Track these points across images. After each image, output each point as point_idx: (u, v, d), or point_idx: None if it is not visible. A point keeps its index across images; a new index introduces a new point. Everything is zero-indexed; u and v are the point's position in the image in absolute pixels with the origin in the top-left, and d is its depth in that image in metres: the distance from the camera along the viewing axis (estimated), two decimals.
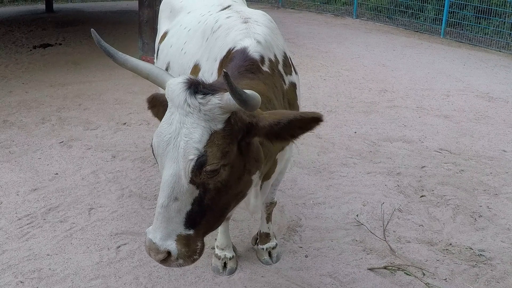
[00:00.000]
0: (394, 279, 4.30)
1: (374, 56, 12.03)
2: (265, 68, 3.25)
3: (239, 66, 3.20)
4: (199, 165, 2.44)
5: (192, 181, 2.49)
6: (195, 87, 2.50)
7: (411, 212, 5.29)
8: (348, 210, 5.31)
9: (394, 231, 4.96)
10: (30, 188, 5.66)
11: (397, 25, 16.08)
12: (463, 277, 4.34)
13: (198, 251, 2.67)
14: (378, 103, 8.69)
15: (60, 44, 12.78)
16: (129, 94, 9.05)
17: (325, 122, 7.44)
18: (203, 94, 2.47)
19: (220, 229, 4.38)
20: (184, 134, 2.47)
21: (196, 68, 3.76)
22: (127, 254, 4.57)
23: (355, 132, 7.36)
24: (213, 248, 4.48)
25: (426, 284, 4.23)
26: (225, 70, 2.17)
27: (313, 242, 4.78)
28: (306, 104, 8.41)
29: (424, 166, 6.32)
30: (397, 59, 11.79)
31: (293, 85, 3.64)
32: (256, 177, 2.89)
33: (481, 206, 5.43)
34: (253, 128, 2.61)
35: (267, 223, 4.56)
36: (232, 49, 3.31)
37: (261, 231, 4.59)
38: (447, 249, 4.69)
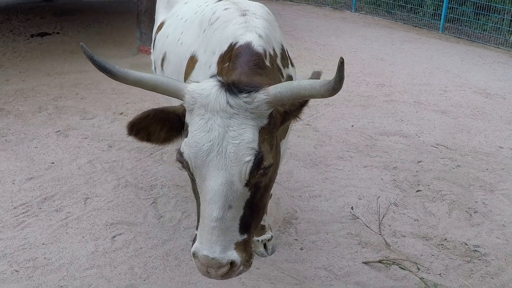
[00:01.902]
0: (389, 273, 4.32)
1: (372, 50, 12.00)
2: (267, 62, 3.19)
3: (247, 61, 3.11)
4: (258, 164, 2.41)
5: (247, 184, 2.46)
6: (235, 87, 2.47)
7: (406, 206, 5.30)
8: (344, 204, 5.31)
9: (389, 225, 4.96)
10: (26, 177, 5.65)
11: (396, 19, 16.03)
12: (457, 272, 4.35)
13: (253, 254, 2.66)
14: (376, 97, 8.68)
15: (58, 33, 12.69)
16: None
17: (322, 115, 7.59)
18: (248, 92, 2.45)
19: None
20: (231, 138, 2.41)
21: (192, 59, 3.72)
22: (122, 244, 4.57)
23: (352, 126, 7.36)
24: None
25: (420, 278, 4.25)
26: (342, 58, 2.23)
27: (308, 234, 4.79)
28: None
29: (420, 161, 6.32)
30: (395, 53, 11.76)
31: (290, 78, 3.59)
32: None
33: (476, 202, 5.43)
34: (287, 115, 2.70)
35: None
36: (235, 44, 3.21)
37: None
38: (442, 244, 4.70)
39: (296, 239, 4.72)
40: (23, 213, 4.97)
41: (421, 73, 10.27)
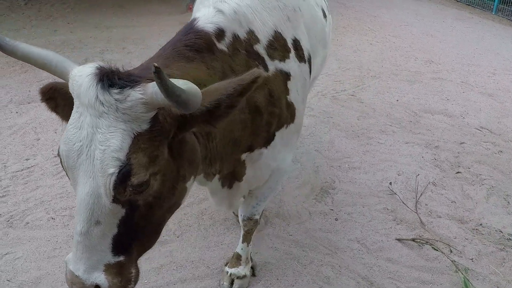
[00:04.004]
0: (421, 252, 4.30)
1: (423, 25, 11.76)
2: (222, 45, 2.66)
3: (177, 41, 2.60)
4: (123, 179, 1.96)
5: (115, 200, 2.02)
6: (109, 78, 1.96)
7: (445, 187, 5.24)
8: (382, 178, 5.28)
9: (426, 204, 4.92)
10: None
11: None
12: (489, 259, 4.31)
13: (133, 279, 2.25)
14: (423, 74, 8.53)
15: None
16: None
17: (368, 87, 7.50)
18: (120, 88, 1.95)
19: None
20: (99, 141, 1.95)
21: None
22: None
23: (397, 100, 7.27)
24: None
25: (452, 261, 4.22)
26: (155, 64, 1.67)
27: (344, 206, 4.78)
28: (350, 67, 8.34)
29: (463, 143, 6.22)
30: (446, 31, 11.51)
31: (284, 75, 2.99)
32: (191, 184, 2.45)
33: None
34: (187, 121, 2.12)
35: (242, 242, 3.84)
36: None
37: (235, 250, 3.93)
38: (476, 229, 4.65)
39: (332, 209, 4.71)
40: None
41: (471, 53, 10.04)
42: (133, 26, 9.55)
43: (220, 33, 2.66)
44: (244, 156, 2.97)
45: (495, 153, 6.05)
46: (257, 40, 2.85)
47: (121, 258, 2.15)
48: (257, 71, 2.14)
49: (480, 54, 10.05)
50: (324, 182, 5.13)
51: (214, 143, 2.58)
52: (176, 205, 2.40)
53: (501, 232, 4.65)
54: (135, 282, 2.27)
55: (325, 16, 3.98)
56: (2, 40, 2.17)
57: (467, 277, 4.08)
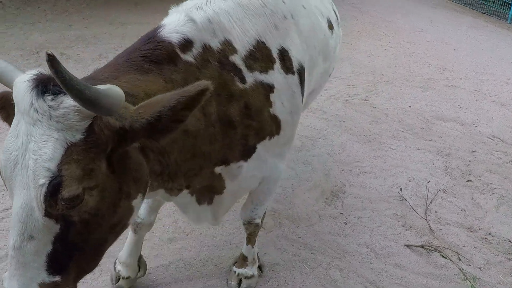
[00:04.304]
0: (430, 259, 4.29)
1: (438, 32, 11.73)
2: (188, 57, 2.49)
3: (131, 51, 2.44)
4: (53, 192, 1.84)
5: (47, 214, 1.89)
6: (44, 85, 1.86)
7: (455, 195, 5.23)
8: (392, 184, 5.28)
9: (436, 211, 4.91)
10: None
11: (465, 3, 15.59)
12: (497, 269, 4.30)
13: None
14: (436, 80, 8.52)
15: None
16: None
17: (381, 92, 7.49)
18: (53, 94, 1.85)
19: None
20: (32, 151, 1.85)
21: None
22: None
23: (410, 106, 7.25)
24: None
25: (460, 269, 4.21)
26: (48, 51, 1.58)
27: (354, 210, 4.78)
28: (363, 71, 8.33)
29: (474, 151, 6.20)
30: (460, 38, 11.48)
31: (266, 87, 2.80)
32: (138, 202, 2.27)
33: None
34: (127, 134, 1.99)
35: (247, 244, 3.84)
36: None
37: (242, 252, 3.91)
38: (486, 238, 4.64)
39: (342, 213, 4.72)
40: None
41: (485, 62, 10.01)
42: (147, 23, 9.56)
43: (186, 44, 2.50)
44: (218, 169, 2.83)
45: (507, 163, 6.03)
46: (233, 51, 2.68)
47: (57, 278, 2.00)
48: (204, 82, 1.98)
49: (494, 63, 10.02)
50: (334, 185, 5.12)
51: (172, 158, 2.45)
52: (120, 225, 2.23)
53: (510, 242, 4.63)
54: None
55: (331, 28, 3.79)
56: None
57: (475, 286, 4.07)
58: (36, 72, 1.91)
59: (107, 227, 2.11)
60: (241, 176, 2.94)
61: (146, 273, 3.83)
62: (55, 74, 1.62)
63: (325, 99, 7.04)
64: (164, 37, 2.46)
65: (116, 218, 2.14)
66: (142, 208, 3.54)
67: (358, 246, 4.34)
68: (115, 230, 2.21)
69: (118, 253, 3.74)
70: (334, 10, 4.08)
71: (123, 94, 1.88)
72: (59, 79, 1.63)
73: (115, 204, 2.09)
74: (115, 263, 3.79)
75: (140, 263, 3.79)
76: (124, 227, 2.26)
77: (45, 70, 1.88)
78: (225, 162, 2.81)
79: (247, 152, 2.86)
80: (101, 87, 1.82)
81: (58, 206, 1.86)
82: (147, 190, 2.37)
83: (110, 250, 2.33)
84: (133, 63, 2.33)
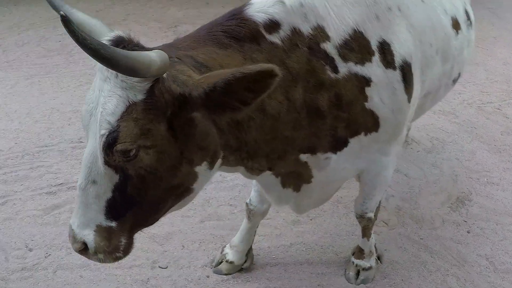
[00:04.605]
0: None
1: None
2: (274, 38, 2.44)
3: (213, 25, 2.47)
4: (110, 143, 2.02)
5: (106, 163, 2.09)
6: (116, 45, 2.01)
7: None
8: None
9: None
10: None
11: None
12: None
13: (122, 248, 2.30)
14: None
15: None
16: None
17: None
18: None
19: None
20: (101, 104, 2.04)
21: None
22: None
23: None
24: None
25: None
26: (61, 12, 1.66)
27: (478, 220, 4.69)
28: (498, 79, 8.02)
29: None
30: None
31: (361, 79, 2.67)
32: (203, 170, 2.35)
33: None
34: (186, 101, 2.06)
35: (362, 237, 3.82)
36: None
37: (358, 244, 3.93)
38: None
39: (465, 221, 4.65)
40: None
41: None
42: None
43: (271, 25, 2.44)
44: (304, 157, 2.79)
45: None
46: (326, 38, 2.56)
47: (113, 223, 2.22)
48: (268, 65, 2.00)
49: None
50: (461, 192, 5.05)
51: (249, 136, 2.46)
52: (181, 188, 2.35)
53: None
54: (125, 252, 2.33)
55: (456, 27, 3.48)
56: (61, 6, 2.13)
57: None
58: (118, 33, 2.10)
59: (165, 187, 2.26)
60: (330, 167, 2.90)
61: (252, 265, 3.94)
62: (69, 33, 1.68)
63: (458, 103, 6.89)
64: (249, 15, 2.44)
65: (176, 180, 2.27)
66: (254, 196, 3.68)
67: (478, 257, 4.28)
68: (176, 192, 2.35)
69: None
70: (466, 10, 3.79)
71: (159, 60, 1.95)
72: (74, 38, 1.70)
73: (174, 167, 2.21)
74: (224, 246, 3.96)
75: (248, 255, 3.91)
76: (187, 191, 2.39)
77: (130, 35, 2.13)
78: (312, 151, 2.78)
79: (337, 144, 2.81)
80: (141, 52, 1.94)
81: (114, 157, 2.05)
82: (220, 163, 2.47)
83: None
84: (213, 37, 2.37)
